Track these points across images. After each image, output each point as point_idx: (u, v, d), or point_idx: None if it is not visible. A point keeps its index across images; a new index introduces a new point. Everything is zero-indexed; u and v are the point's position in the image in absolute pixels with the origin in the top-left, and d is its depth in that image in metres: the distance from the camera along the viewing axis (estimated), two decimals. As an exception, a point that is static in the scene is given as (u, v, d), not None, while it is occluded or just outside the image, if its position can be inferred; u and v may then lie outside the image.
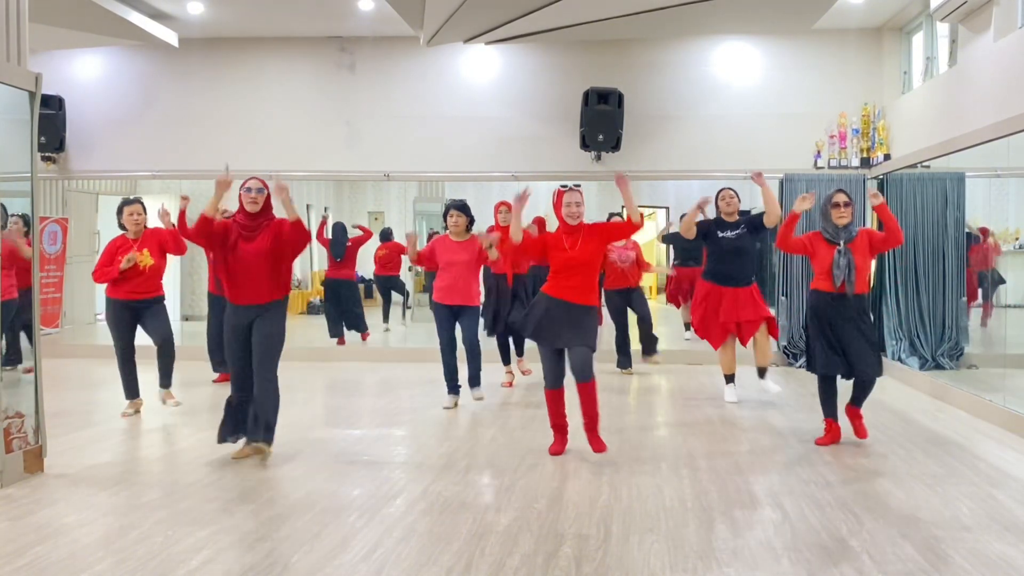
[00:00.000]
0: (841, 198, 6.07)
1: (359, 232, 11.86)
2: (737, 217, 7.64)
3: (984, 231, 9.37)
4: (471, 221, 7.38)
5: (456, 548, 3.97)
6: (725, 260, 7.51)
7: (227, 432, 5.67)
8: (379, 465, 5.50)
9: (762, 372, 7.78)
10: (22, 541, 4.06)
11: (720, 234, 7.52)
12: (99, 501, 4.71)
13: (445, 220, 7.39)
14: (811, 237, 6.20)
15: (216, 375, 8.69)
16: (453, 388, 7.40)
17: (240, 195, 5.62)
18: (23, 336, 5.59)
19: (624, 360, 9.50)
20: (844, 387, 6.13)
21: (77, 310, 12.44)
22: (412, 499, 4.75)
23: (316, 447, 5.98)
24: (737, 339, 7.65)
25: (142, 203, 7.14)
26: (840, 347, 5.98)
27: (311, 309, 16.20)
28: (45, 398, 5.44)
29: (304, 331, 12.29)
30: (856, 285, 5.96)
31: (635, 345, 9.53)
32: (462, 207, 7.35)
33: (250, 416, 5.62)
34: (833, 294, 5.99)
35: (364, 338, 11.71)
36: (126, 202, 7.11)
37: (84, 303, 12.62)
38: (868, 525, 4.31)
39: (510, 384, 8.53)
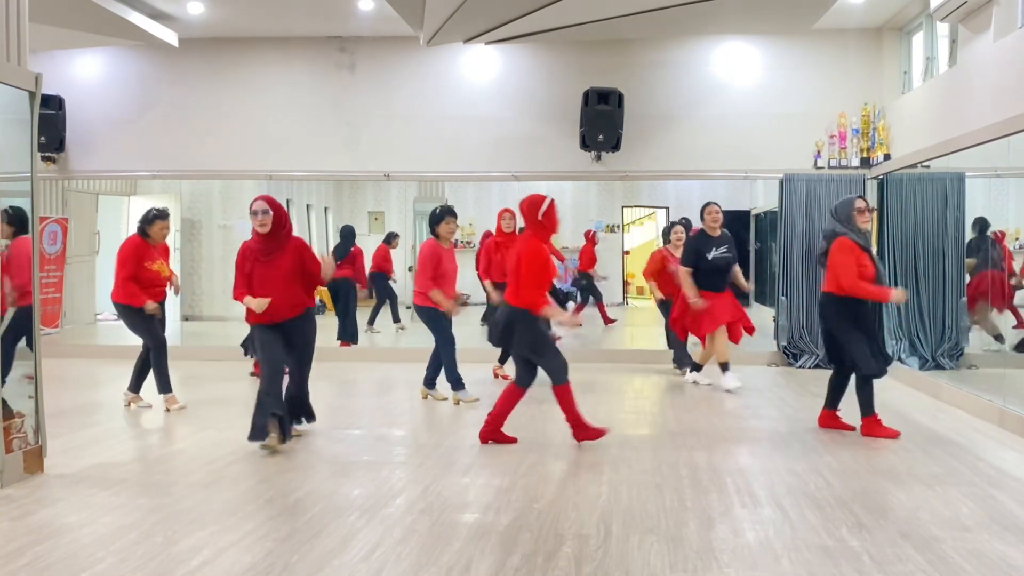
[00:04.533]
0: (870, 204, 6.49)
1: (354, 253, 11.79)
2: (719, 232, 8.20)
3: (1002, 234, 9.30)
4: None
5: (456, 548, 3.97)
6: (711, 276, 8.09)
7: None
8: (379, 465, 5.50)
9: (717, 368, 8.35)
10: (22, 541, 4.06)
11: (708, 255, 8.07)
12: (99, 501, 4.71)
13: (437, 225, 7.37)
14: (853, 248, 6.22)
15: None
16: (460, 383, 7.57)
17: (249, 218, 5.83)
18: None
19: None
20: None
21: (77, 310, 12.45)
22: (412, 499, 4.75)
23: (316, 447, 5.98)
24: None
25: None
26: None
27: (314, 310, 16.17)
28: (45, 398, 5.44)
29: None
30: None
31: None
32: (455, 212, 7.52)
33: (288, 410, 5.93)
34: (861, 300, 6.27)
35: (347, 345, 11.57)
36: (160, 215, 7.20)
37: (84, 303, 12.64)
38: (868, 525, 4.31)
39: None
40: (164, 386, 7.19)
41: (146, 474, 5.35)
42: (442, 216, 7.40)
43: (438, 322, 7.36)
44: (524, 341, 5.80)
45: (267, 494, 4.85)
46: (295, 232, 6.09)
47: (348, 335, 11.34)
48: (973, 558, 3.87)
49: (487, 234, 8.55)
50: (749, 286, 8.72)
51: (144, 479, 5.21)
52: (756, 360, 10.28)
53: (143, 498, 4.78)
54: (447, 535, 4.15)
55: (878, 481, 5.14)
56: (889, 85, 10.25)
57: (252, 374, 8.71)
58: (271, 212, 5.76)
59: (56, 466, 5.38)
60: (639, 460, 5.62)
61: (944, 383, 8.06)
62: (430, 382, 7.64)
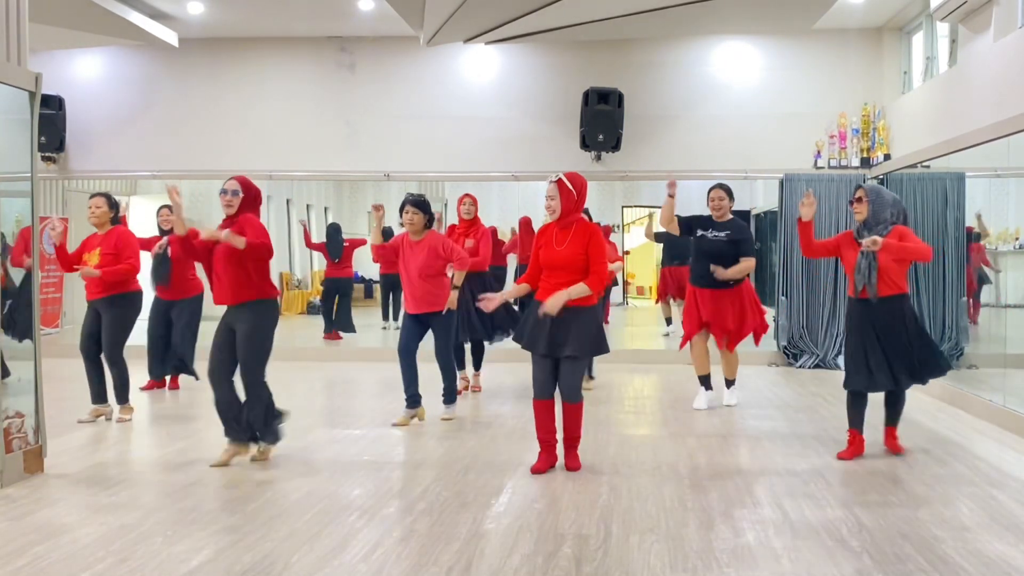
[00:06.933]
0: (857, 193, 5.61)
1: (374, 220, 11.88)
2: (729, 218, 7.24)
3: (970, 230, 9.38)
4: (430, 219, 6.80)
5: (456, 548, 3.97)
6: (701, 260, 7.15)
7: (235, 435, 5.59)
8: (379, 465, 5.50)
9: (728, 383, 7.59)
10: (22, 541, 4.06)
11: (702, 232, 7.17)
12: (99, 501, 4.71)
13: (401, 215, 6.82)
14: (841, 238, 5.82)
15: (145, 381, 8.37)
16: (412, 401, 6.82)
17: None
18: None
19: None
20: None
21: (77, 310, 12.43)
22: (412, 499, 4.75)
23: (316, 447, 5.98)
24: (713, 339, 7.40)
25: (107, 196, 6.82)
26: (884, 360, 5.52)
27: (311, 309, 16.19)
28: (45, 398, 5.44)
29: (304, 331, 12.28)
30: (882, 288, 5.47)
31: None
32: (419, 203, 6.73)
33: (243, 418, 5.54)
34: (857, 299, 5.59)
35: (337, 337, 11.87)
36: (91, 195, 6.89)
37: (84, 303, 12.62)
38: (868, 525, 4.31)
39: (465, 388, 8.16)
40: (96, 395, 6.93)
41: (146, 474, 5.35)
42: (402, 207, 6.87)
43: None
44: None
45: (267, 494, 4.85)
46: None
47: (337, 327, 11.56)
48: (973, 558, 3.87)
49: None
50: (725, 274, 7.10)
51: (144, 479, 5.21)
52: (756, 360, 10.27)
53: (143, 498, 4.78)
54: (447, 535, 4.15)
55: (878, 481, 5.14)
56: (889, 85, 10.25)
57: (142, 389, 8.28)
58: (240, 194, 5.48)
59: (56, 466, 5.38)
60: (639, 460, 5.62)
61: (944, 383, 8.05)
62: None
